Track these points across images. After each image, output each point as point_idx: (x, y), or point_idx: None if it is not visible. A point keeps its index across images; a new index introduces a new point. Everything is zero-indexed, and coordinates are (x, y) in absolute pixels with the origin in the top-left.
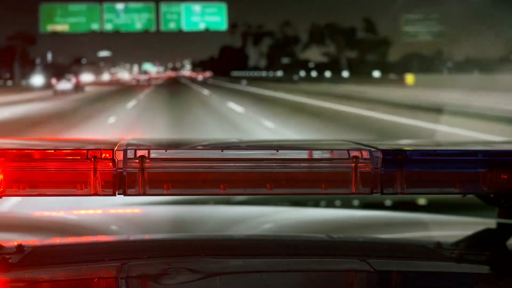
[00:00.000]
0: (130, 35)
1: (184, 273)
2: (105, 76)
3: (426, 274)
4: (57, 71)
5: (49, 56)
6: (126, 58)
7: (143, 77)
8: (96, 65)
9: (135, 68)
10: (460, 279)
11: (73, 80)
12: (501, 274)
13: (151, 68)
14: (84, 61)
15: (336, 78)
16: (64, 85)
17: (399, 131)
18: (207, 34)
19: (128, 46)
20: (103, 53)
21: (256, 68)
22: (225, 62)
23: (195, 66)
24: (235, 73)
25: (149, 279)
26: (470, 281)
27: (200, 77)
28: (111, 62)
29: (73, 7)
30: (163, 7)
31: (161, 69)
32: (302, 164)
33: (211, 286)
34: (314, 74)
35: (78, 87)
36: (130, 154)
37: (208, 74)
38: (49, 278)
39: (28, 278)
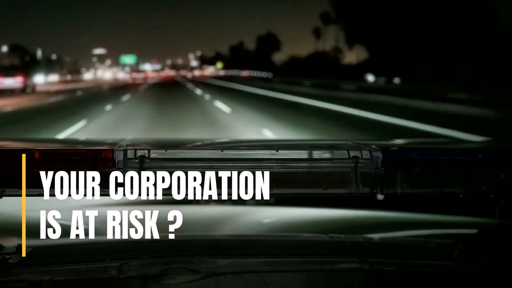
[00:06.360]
0: (126, 30)
1: (184, 273)
2: (54, 77)
3: (426, 274)
4: None
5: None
6: (121, 54)
7: (139, 76)
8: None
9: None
10: (460, 279)
11: None
12: (501, 274)
13: (131, 61)
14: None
15: None
16: None
17: None
18: (217, 24)
19: (124, 41)
20: (98, 51)
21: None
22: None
23: (204, 62)
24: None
25: (149, 279)
26: (470, 281)
27: (189, 75)
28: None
29: None
30: None
31: (157, 66)
32: (302, 164)
33: (211, 286)
34: None
35: None
36: (130, 154)
37: (206, 72)
38: (49, 278)
39: (28, 278)
